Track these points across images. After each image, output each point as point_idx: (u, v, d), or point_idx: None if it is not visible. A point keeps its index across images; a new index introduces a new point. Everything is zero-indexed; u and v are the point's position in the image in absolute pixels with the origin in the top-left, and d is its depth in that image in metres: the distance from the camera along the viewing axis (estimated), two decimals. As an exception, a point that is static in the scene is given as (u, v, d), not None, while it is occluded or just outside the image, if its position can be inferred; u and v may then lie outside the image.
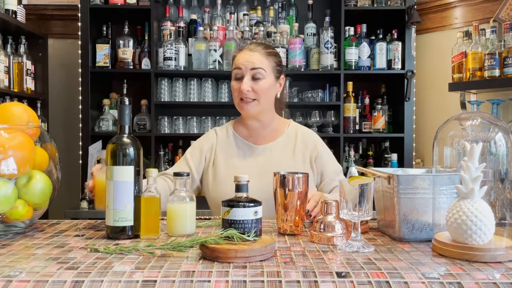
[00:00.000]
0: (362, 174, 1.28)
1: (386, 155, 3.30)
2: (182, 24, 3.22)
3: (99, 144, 3.17)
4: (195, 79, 3.24)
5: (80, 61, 3.11)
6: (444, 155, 1.29)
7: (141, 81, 3.25)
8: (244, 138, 1.83)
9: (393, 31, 3.25)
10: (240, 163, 1.77)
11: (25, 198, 1.27)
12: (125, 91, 3.27)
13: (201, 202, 1.81)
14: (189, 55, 3.22)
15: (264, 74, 1.70)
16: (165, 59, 3.13)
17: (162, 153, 3.23)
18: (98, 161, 1.37)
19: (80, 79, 3.11)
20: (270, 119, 1.82)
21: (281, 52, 3.14)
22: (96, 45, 3.17)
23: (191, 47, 3.21)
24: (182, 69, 3.17)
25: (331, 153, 1.89)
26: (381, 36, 3.28)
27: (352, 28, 3.22)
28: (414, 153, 3.23)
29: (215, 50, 3.13)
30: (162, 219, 1.30)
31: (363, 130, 3.31)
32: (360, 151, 3.40)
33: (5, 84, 2.89)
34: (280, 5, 3.33)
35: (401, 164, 3.19)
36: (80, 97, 3.11)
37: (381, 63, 3.24)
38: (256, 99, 1.71)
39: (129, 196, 1.21)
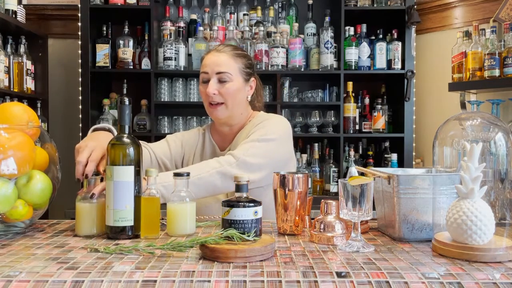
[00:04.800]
0: (362, 174, 1.28)
1: (386, 155, 3.30)
2: (182, 24, 3.22)
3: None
4: (195, 79, 3.24)
5: (80, 61, 3.10)
6: (444, 155, 1.29)
7: (141, 81, 3.25)
8: (216, 141, 1.80)
9: (393, 31, 3.25)
10: None
11: (25, 198, 1.27)
12: (125, 91, 3.27)
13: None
14: (189, 55, 3.22)
15: (230, 77, 1.65)
16: (165, 59, 3.13)
17: (162, 153, 3.22)
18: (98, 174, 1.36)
19: (80, 79, 3.11)
20: (242, 124, 1.75)
21: (281, 52, 3.14)
22: (96, 45, 3.17)
23: (191, 47, 3.21)
24: (182, 69, 3.17)
25: (271, 130, 1.63)
26: (381, 36, 3.28)
27: (352, 28, 3.21)
28: (414, 153, 3.23)
29: (215, 50, 3.12)
30: (162, 219, 1.31)
31: (363, 130, 3.31)
32: (360, 151, 3.40)
33: (5, 84, 2.89)
34: (280, 5, 3.32)
35: (401, 164, 3.19)
36: (80, 97, 3.11)
37: (381, 63, 3.24)
38: (223, 102, 1.66)
39: (129, 196, 1.21)
